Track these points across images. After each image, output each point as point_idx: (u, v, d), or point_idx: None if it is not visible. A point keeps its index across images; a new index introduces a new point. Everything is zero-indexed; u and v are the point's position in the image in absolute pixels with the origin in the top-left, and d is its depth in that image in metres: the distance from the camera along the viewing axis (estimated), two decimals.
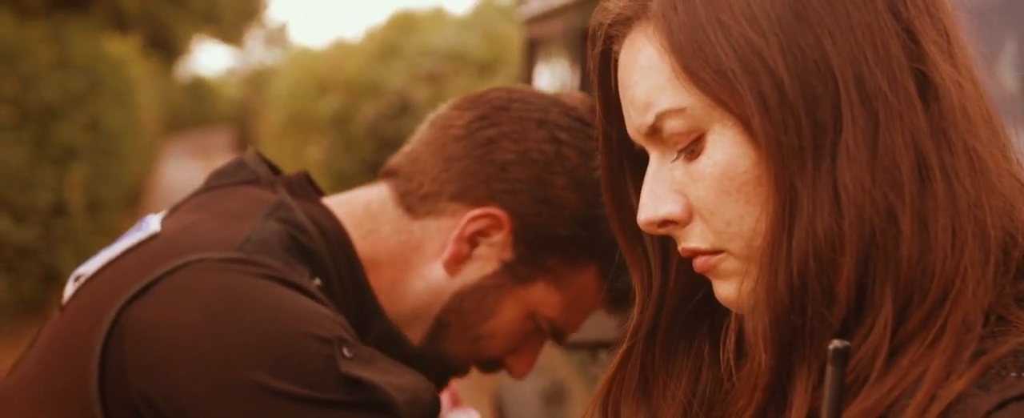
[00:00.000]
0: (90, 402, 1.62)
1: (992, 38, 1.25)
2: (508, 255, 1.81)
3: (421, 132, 1.87)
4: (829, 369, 1.03)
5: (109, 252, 1.73)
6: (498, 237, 1.80)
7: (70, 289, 1.74)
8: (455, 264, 1.81)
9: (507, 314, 1.83)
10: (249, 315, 1.60)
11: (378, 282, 1.80)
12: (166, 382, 1.60)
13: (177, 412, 1.60)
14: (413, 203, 1.82)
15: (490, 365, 1.90)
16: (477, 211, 1.79)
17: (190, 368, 1.59)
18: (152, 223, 1.75)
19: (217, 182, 1.83)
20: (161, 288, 1.63)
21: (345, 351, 1.61)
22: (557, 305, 1.83)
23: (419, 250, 1.82)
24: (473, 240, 1.80)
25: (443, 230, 1.81)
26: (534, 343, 1.88)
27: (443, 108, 1.87)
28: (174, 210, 1.81)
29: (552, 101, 1.83)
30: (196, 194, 1.83)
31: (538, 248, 1.80)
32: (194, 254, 1.65)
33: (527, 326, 1.85)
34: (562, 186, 1.79)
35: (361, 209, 1.83)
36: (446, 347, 1.84)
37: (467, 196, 1.80)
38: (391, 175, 1.85)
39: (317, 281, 1.71)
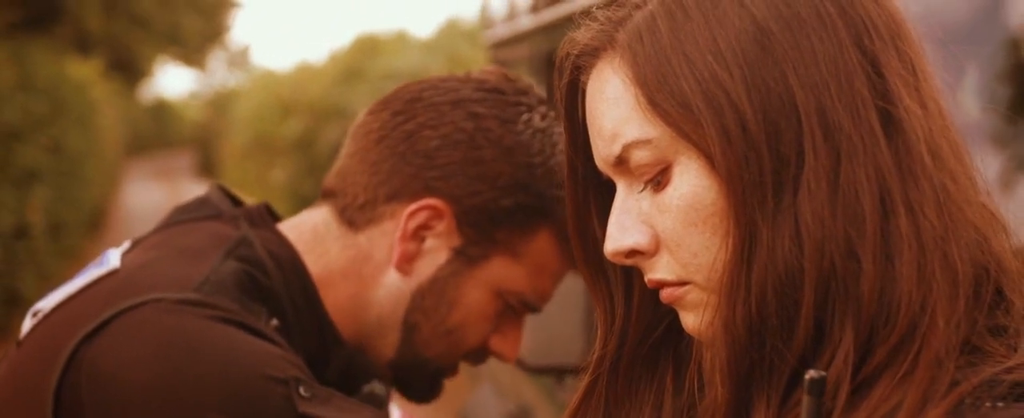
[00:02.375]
0: None
1: (954, 64, 1.26)
2: (456, 241, 1.79)
3: (346, 146, 1.86)
4: (805, 399, 1.03)
5: (68, 287, 1.72)
6: (441, 226, 1.78)
7: (28, 324, 1.73)
8: (406, 263, 1.79)
9: (472, 299, 1.81)
10: (205, 357, 1.59)
11: (337, 302, 1.79)
12: None
13: None
14: (353, 216, 1.81)
15: (476, 355, 1.87)
16: (414, 205, 1.78)
17: (145, 410, 1.58)
18: (112, 258, 1.74)
19: (179, 218, 1.82)
20: (116, 327, 1.62)
21: (302, 391, 1.61)
22: (520, 277, 1.81)
23: (370, 260, 1.80)
24: (418, 235, 1.79)
25: (387, 234, 1.80)
26: (513, 321, 1.86)
27: (360, 117, 1.86)
28: (135, 245, 1.79)
29: (463, 80, 1.83)
30: (158, 229, 1.82)
31: (485, 226, 1.79)
32: (152, 293, 1.64)
33: (497, 306, 1.82)
34: (492, 158, 1.78)
35: (309, 233, 1.82)
36: (422, 350, 1.82)
37: (402, 194, 1.79)
38: (328, 195, 1.84)
39: (274, 321, 1.70)
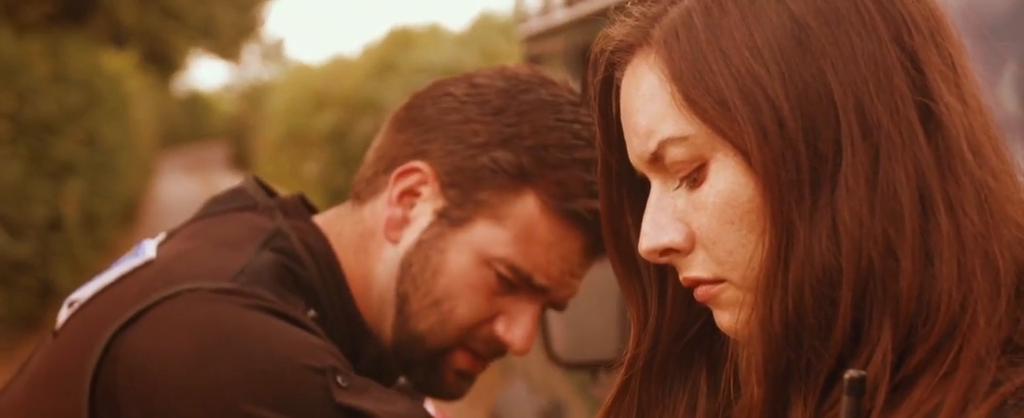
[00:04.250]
0: None
1: (995, 61, 1.24)
2: (440, 203, 1.77)
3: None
4: (845, 399, 1.02)
5: (104, 278, 1.72)
6: (428, 190, 1.77)
7: (64, 314, 1.73)
8: (394, 230, 1.78)
9: (456, 265, 1.76)
10: (242, 346, 1.59)
11: (355, 281, 1.78)
12: (158, 413, 1.59)
13: None
14: (360, 191, 1.83)
15: (487, 345, 1.80)
16: (398, 169, 1.78)
17: (183, 399, 1.58)
18: (148, 249, 1.73)
19: (214, 209, 1.81)
20: (153, 317, 1.61)
21: (339, 380, 1.60)
22: (505, 241, 1.75)
23: (374, 236, 1.80)
24: (405, 201, 1.78)
25: (385, 204, 1.80)
26: (521, 305, 1.79)
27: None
28: (171, 236, 1.79)
29: (489, 68, 1.83)
30: (193, 220, 1.81)
31: (466, 186, 1.76)
32: (188, 283, 1.63)
33: (486, 276, 1.76)
34: (474, 118, 1.76)
35: (333, 217, 1.83)
36: (414, 323, 1.78)
37: (396, 162, 1.79)
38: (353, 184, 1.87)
39: (311, 312, 1.70)
